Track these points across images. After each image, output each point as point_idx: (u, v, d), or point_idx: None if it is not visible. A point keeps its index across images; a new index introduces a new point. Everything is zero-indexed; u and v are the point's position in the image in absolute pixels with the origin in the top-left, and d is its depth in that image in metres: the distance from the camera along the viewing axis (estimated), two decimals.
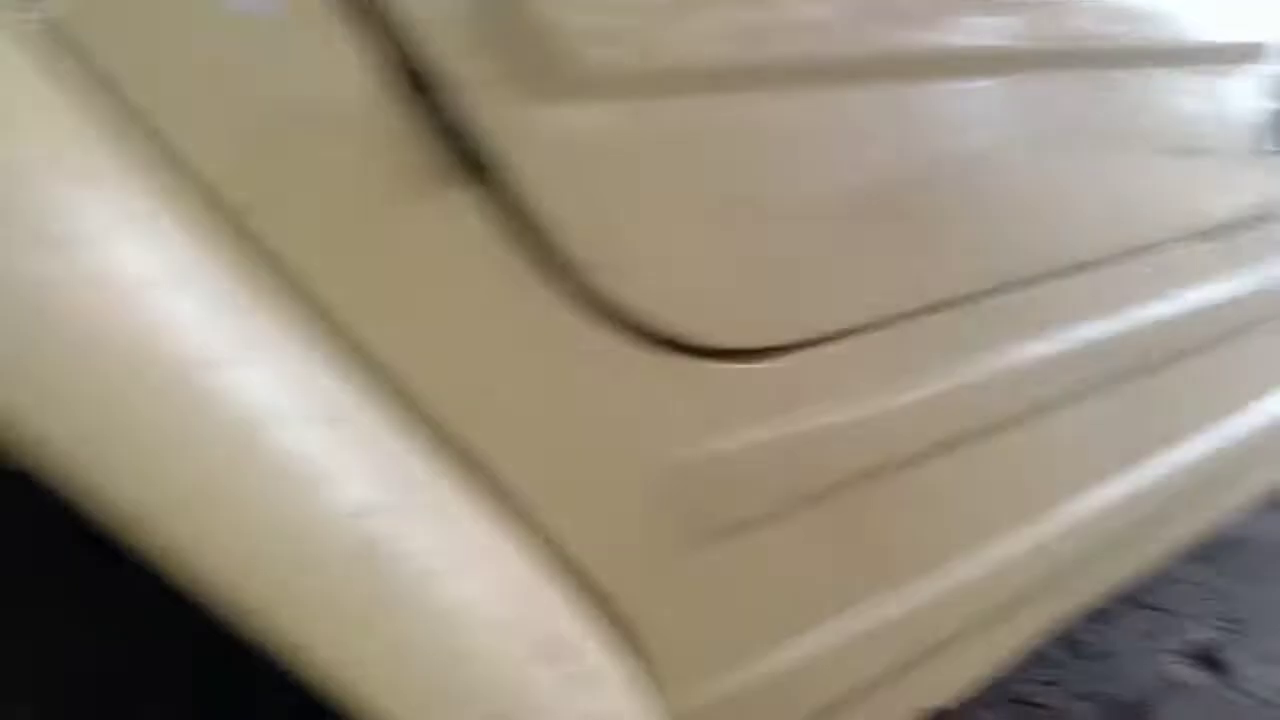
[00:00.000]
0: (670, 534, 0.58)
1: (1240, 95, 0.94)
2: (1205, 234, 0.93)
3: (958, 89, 0.68)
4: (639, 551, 0.56)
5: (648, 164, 0.52)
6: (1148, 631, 1.64)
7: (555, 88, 0.47)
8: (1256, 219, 0.99)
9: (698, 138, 0.53)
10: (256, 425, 0.40)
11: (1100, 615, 1.68)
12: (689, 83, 0.52)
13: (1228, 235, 0.95)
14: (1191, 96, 0.89)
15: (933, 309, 0.70)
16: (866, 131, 0.62)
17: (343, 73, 0.42)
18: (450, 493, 0.47)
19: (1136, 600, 1.73)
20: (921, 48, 0.64)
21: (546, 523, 0.51)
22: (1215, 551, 1.88)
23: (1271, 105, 0.96)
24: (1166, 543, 1.05)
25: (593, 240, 0.50)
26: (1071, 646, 1.59)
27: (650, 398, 0.55)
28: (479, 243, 0.47)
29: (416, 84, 0.43)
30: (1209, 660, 1.55)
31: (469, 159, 0.45)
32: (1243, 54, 0.93)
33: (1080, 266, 0.81)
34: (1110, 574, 0.98)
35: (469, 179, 0.46)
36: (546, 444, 0.51)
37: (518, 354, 0.49)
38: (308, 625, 0.40)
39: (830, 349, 0.63)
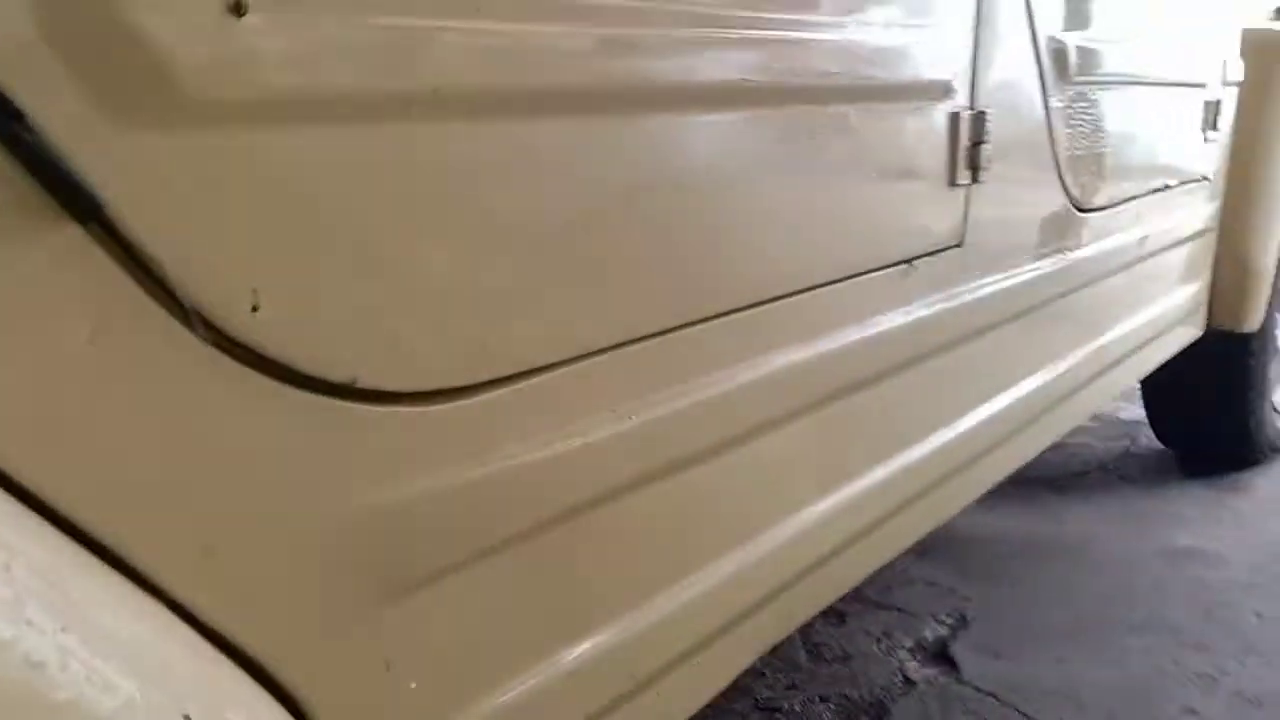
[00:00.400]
0: (352, 592, 0.55)
1: (935, 130, 1.00)
2: (903, 261, 0.98)
3: (645, 124, 0.69)
4: (308, 615, 0.53)
5: (287, 198, 0.49)
6: (885, 631, 1.72)
7: (163, 117, 0.44)
8: (951, 246, 1.05)
9: (344, 168, 0.51)
10: None
11: (840, 618, 1.76)
12: (322, 111, 0.49)
13: (925, 262, 1.01)
14: (889, 132, 0.94)
15: (630, 342, 0.70)
16: (543, 164, 0.62)
17: None
18: (73, 582, 0.42)
19: (875, 601, 1.82)
20: (589, 80, 0.64)
21: (193, 600, 0.47)
22: (946, 550, 2.01)
23: (963, 140, 1.03)
24: (884, 550, 1.09)
25: (227, 283, 0.47)
26: (813, 650, 1.66)
27: (316, 450, 0.52)
28: (92, 290, 0.43)
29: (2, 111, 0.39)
30: (940, 657, 1.64)
31: (69, 195, 0.41)
32: (937, 91, 0.99)
33: (783, 295, 0.84)
34: (831, 584, 1.02)
35: (72, 217, 0.41)
36: (189, 513, 0.47)
37: (147, 413, 0.45)
38: None
39: (519, 387, 0.62)
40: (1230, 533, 2.06)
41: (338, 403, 0.53)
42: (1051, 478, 2.41)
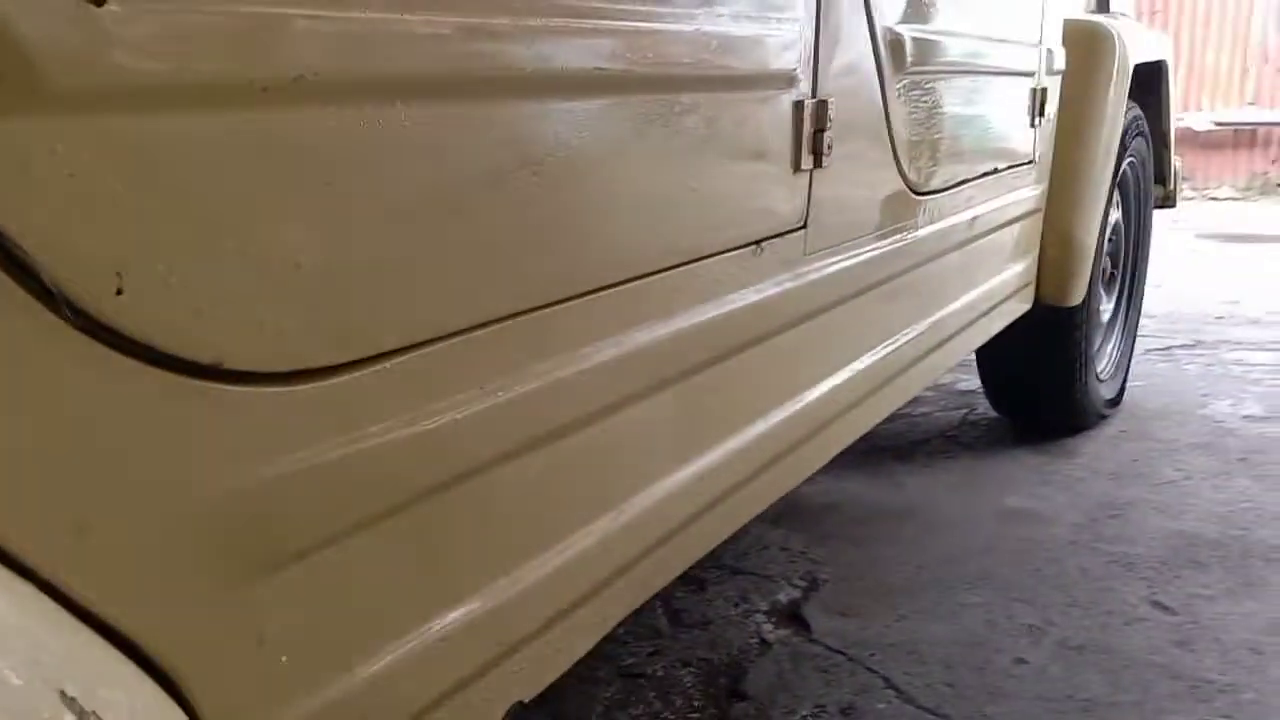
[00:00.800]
0: (223, 569, 0.56)
1: (779, 118, 1.05)
2: (752, 243, 1.03)
3: (502, 110, 0.71)
4: (181, 592, 0.54)
5: (151, 182, 0.50)
6: (742, 596, 1.79)
7: (23, 104, 0.44)
8: (796, 228, 1.11)
9: (207, 153, 0.52)
10: None
11: (700, 585, 1.82)
12: (184, 97, 0.50)
13: (771, 243, 1.07)
14: (736, 120, 0.99)
15: (494, 321, 0.72)
16: (404, 149, 0.63)
17: None
18: None
19: (732, 568, 1.89)
20: (447, 67, 0.66)
21: (65, 580, 0.48)
22: (799, 517, 2.10)
23: (806, 127, 1.08)
24: (738, 516, 1.15)
25: (92, 267, 0.48)
26: (673, 616, 1.72)
27: (184, 431, 0.53)
28: None
29: None
30: (793, 618, 1.72)
31: None
32: (781, 81, 1.04)
33: (639, 276, 0.88)
34: (689, 550, 1.06)
35: None
36: (59, 495, 0.48)
37: (14, 395, 0.46)
38: None
39: (386, 366, 0.64)
40: (1057, 494, 2.22)
41: (204, 384, 0.54)
42: (895, 446, 2.54)
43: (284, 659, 0.61)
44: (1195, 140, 8.22)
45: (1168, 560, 1.89)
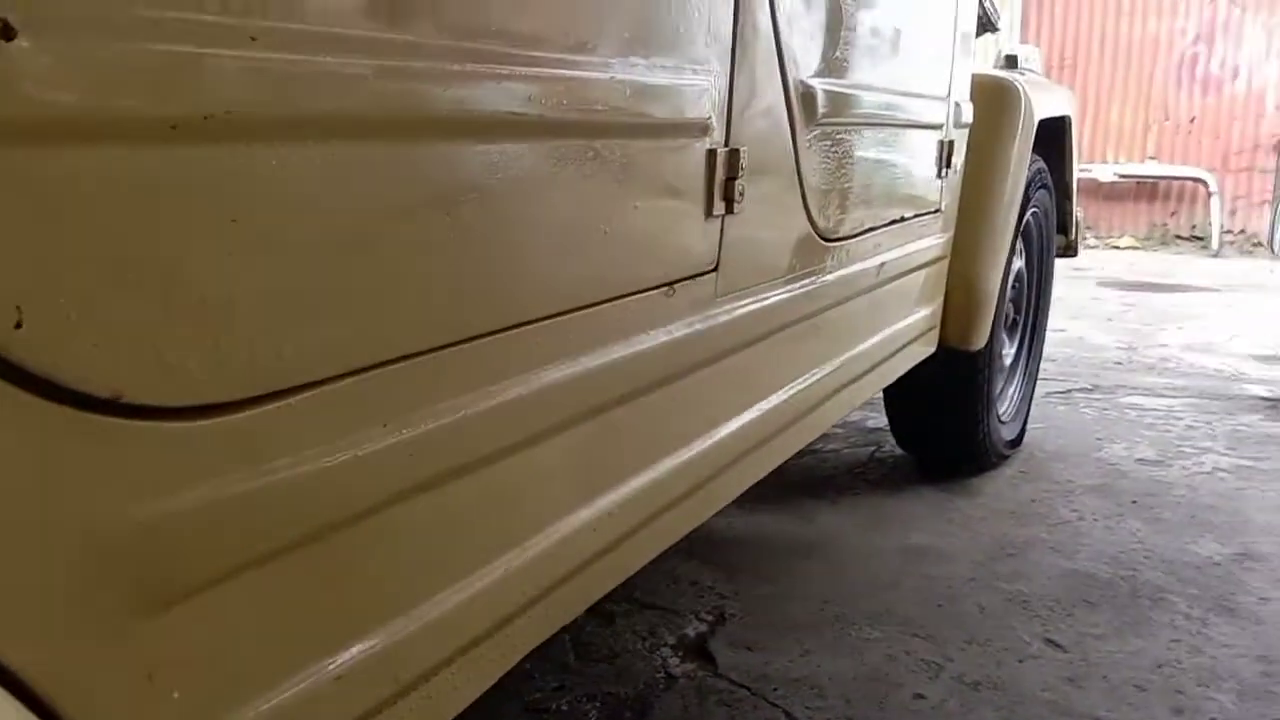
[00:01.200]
0: (114, 604, 0.56)
1: (693, 165, 1.08)
2: (664, 285, 1.06)
3: (420, 151, 0.72)
4: (70, 628, 0.53)
5: (54, 216, 0.50)
6: (650, 630, 1.81)
7: None
8: (707, 270, 1.14)
9: (111, 187, 0.52)
10: None
11: (609, 618, 1.83)
12: (91, 132, 0.51)
13: (683, 285, 1.09)
14: (651, 166, 1.01)
15: (402, 359, 0.73)
16: (315, 186, 0.64)
17: None
18: None
19: (641, 601, 1.90)
20: (366, 107, 0.67)
21: None
22: (709, 551, 2.12)
23: (719, 175, 1.11)
24: (646, 552, 1.16)
25: None
26: (581, 650, 1.72)
27: (79, 465, 0.53)
28: None
29: None
30: (699, 652, 1.74)
31: None
32: (695, 130, 1.07)
33: (551, 315, 0.89)
34: (596, 584, 1.07)
35: None
36: None
37: None
38: None
39: (289, 402, 0.64)
40: (959, 532, 2.28)
41: (102, 418, 0.54)
42: (805, 481, 2.58)
43: (175, 695, 0.60)
44: (1099, 191, 8.54)
45: (1061, 599, 1.95)
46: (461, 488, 0.81)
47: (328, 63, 0.63)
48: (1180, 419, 3.21)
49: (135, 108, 0.52)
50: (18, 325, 0.49)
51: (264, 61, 0.59)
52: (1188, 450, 2.88)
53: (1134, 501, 2.48)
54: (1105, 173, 8.47)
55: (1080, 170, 8.05)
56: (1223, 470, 2.72)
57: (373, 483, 0.72)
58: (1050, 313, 3.04)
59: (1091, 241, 8.50)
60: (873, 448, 2.87)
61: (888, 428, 2.70)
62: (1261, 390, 3.60)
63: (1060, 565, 2.11)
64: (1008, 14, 8.53)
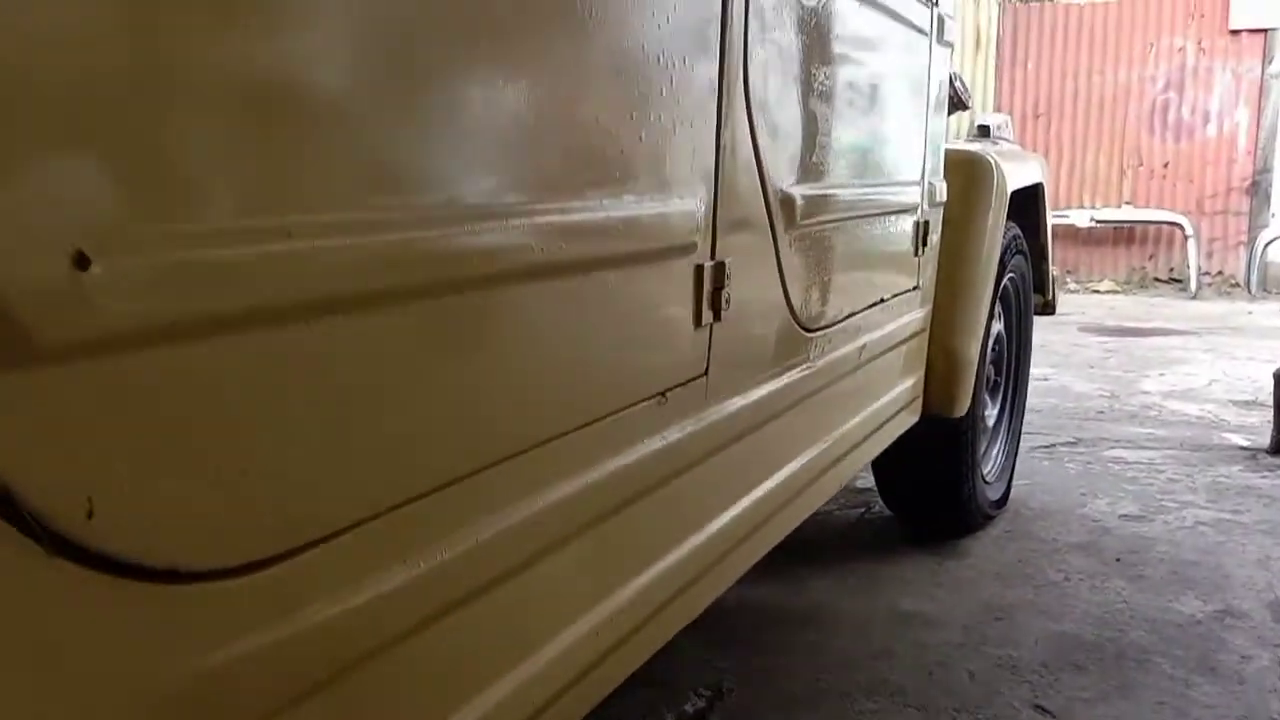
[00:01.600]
0: None
1: (682, 282, 1.15)
2: (657, 394, 1.12)
3: (438, 306, 0.79)
4: None
5: (122, 415, 0.56)
6: (650, 707, 1.85)
7: (11, 358, 0.50)
8: (698, 376, 1.20)
9: (172, 384, 0.59)
10: None
11: (607, 697, 1.87)
12: (153, 337, 0.57)
13: (675, 393, 1.15)
14: (643, 290, 1.08)
15: (419, 497, 0.79)
16: (342, 360, 0.71)
17: None
18: None
19: (641, 677, 1.94)
20: (397, 281, 0.74)
21: None
22: (707, 624, 2.16)
23: (706, 287, 1.18)
24: (654, 642, 1.22)
25: (67, 494, 0.53)
26: None
27: (141, 629, 0.59)
28: None
29: None
30: None
31: None
32: (683, 250, 1.14)
33: (554, 436, 0.95)
34: (608, 680, 1.13)
35: None
36: (30, 699, 0.53)
37: None
38: None
39: (319, 550, 0.70)
40: (948, 595, 2.33)
41: (157, 586, 0.60)
42: (796, 546, 2.62)
43: None
44: (1077, 237, 8.70)
45: (1049, 663, 2.01)
46: (475, 610, 0.87)
47: (347, 245, 0.69)
48: (1162, 471, 3.28)
49: (187, 310, 0.59)
50: (89, 515, 0.55)
51: (289, 254, 0.65)
52: (1169, 504, 2.95)
53: (1118, 559, 2.54)
54: (1083, 218, 8.63)
55: (1058, 217, 8.26)
56: (1204, 524, 2.79)
57: (396, 616, 0.78)
58: (1031, 370, 3.12)
59: (1072, 286, 8.63)
60: (862, 509, 2.92)
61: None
62: (1240, 439, 3.68)
63: (1048, 628, 2.16)
64: (982, 70, 8.74)
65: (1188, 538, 2.69)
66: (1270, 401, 3.56)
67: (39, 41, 0.50)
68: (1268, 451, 3.48)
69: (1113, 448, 3.57)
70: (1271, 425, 3.52)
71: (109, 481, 0.56)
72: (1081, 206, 8.76)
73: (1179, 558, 2.55)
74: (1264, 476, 3.23)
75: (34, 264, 0.51)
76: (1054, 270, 3.18)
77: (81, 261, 0.52)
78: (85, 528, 0.55)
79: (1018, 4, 8.81)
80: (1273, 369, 3.66)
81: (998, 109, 8.80)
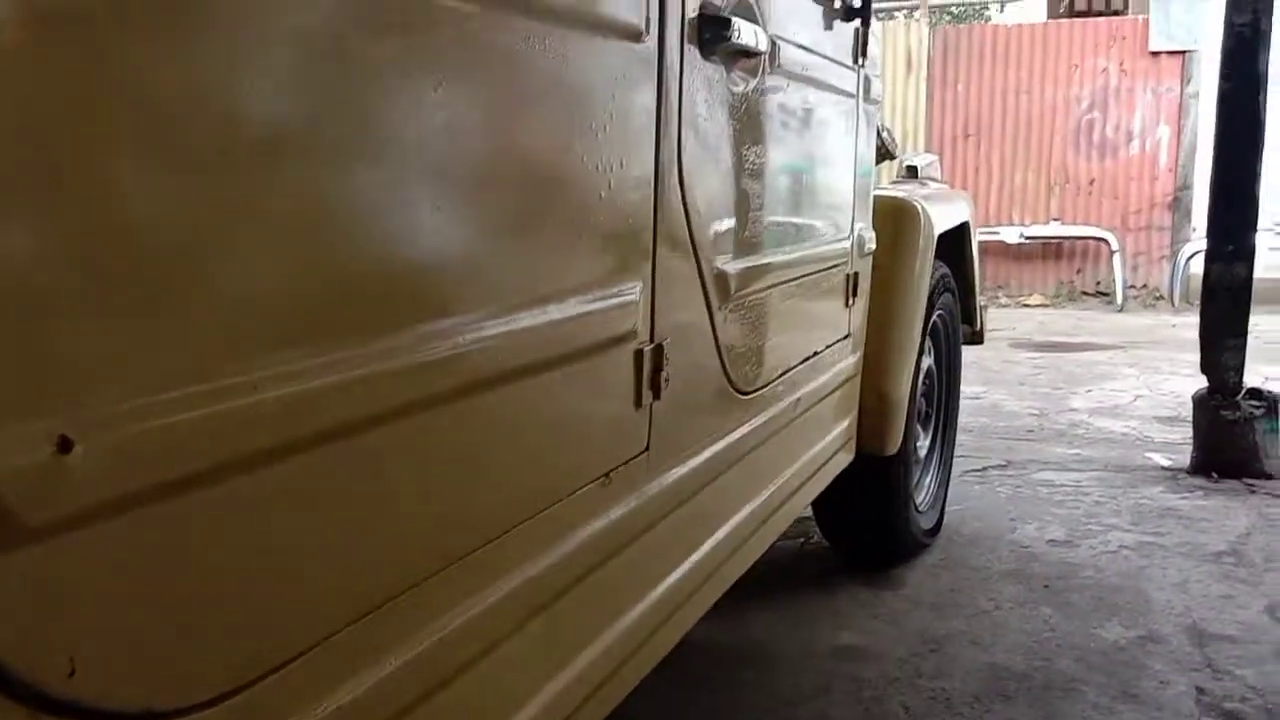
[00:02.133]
0: None
1: (622, 367, 1.20)
2: (601, 476, 1.18)
3: (399, 426, 0.84)
4: None
5: (103, 579, 0.60)
6: None
7: None
8: (639, 454, 1.26)
9: (153, 545, 0.63)
10: None
11: None
12: (129, 504, 0.61)
13: (618, 472, 1.21)
14: (584, 382, 1.13)
15: (377, 608, 0.84)
16: (308, 499, 0.75)
17: None
18: None
19: None
20: (369, 409, 0.79)
21: None
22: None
23: (646, 369, 1.24)
24: (609, 701, 1.26)
25: (50, 657, 0.57)
26: None
27: None
28: None
29: None
30: None
31: None
32: (622, 338, 1.19)
33: (503, 531, 1.00)
34: None
35: None
36: None
37: None
38: None
39: (283, 673, 0.75)
40: (884, 628, 2.41)
41: None
42: (738, 581, 2.70)
43: None
44: (1008, 252, 8.94)
45: (980, 695, 2.09)
46: (437, 701, 0.91)
47: (313, 387, 0.74)
48: (1088, 494, 3.40)
49: (159, 474, 0.63)
50: (71, 674, 0.59)
51: (259, 404, 0.70)
52: (1094, 529, 3.07)
53: (1046, 586, 2.64)
54: (1012, 234, 8.87)
55: (989, 233, 8.46)
56: (1127, 548, 2.91)
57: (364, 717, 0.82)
58: (963, 388, 3.22)
59: (1003, 300, 8.86)
60: (802, 539, 3.00)
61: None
62: (1162, 459, 3.83)
63: (979, 659, 2.25)
64: (914, 92, 8.94)
65: (1111, 562, 2.80)
66: (1191, 418, 3.71)
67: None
68: (1187, 471, 3.63)
69: (1042, 469, 3.70)
70: (1191, 444, 3.67)
71: (88, 639, 0.60)
72: (1011, 223, 9.00)
73: (1103, 583, 2.66)
74: (1184, 497, 3.37)
75: (19, 453, 0.55)
76: (981, 301, 3.29)
77: (64, 445, 0.57)
78: (67, 685, 0.59)
79: (947, 26, 9.03)
80: (1194, 384, 3.81)
81: (929, 130, 9.02)
